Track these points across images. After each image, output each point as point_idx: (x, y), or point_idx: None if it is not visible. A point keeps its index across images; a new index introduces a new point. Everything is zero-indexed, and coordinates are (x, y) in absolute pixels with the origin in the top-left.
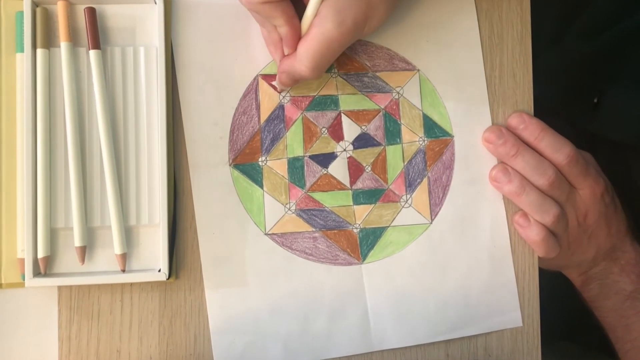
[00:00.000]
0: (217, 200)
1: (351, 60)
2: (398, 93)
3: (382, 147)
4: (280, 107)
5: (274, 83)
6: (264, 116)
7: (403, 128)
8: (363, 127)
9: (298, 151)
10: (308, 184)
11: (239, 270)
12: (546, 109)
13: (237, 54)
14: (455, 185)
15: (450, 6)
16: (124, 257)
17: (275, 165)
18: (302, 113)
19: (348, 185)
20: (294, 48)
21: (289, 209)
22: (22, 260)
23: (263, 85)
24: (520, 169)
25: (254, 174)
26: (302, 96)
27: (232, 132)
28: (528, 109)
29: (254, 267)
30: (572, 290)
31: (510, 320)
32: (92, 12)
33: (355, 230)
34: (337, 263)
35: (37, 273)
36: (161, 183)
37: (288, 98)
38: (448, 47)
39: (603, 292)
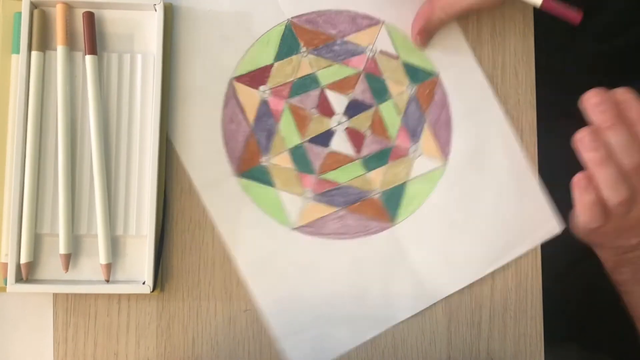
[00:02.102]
0: (235, 213)
1: (316, 33)
2: (371, 50)
3: (374, 107)
4: (264, 103)
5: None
6: (251, 117)
7: (388, 82)
8: (349, 95)
9: (295, 140)
10: (317, 168)
11: (281, 273)
12: (560, 110)
13: (206, 64)
14: (456, 120)
15: None
16: (109, 268)
17: (279, 161)
18: (286, 101)
19: (354, 155)
20: None
21: (306, 198)
22: (5, 265)
23: (240, 87)
24: (611, 141)
25: (262, 176)
26: (281, 85)
27: (226, 143)
28: (530, 108)
29: (294, 264)
30: (577, 291)
31: (548, 230)
32: (90, 17)
33: (376, 196)
34: (370, 233)
35: (19, 279)
36: (151, 194)
37: (268, 92)
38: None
39: (636, 277)
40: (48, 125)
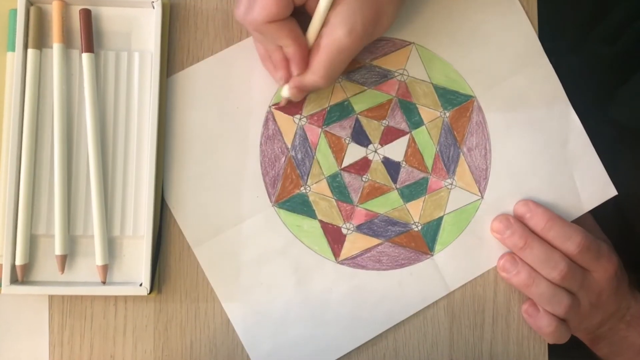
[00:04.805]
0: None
1: None
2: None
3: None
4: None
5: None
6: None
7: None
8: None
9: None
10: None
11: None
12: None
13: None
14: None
15: None
16: (105, 269)
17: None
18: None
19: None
20: (304, 68)
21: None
22: (0, 266)
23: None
24: (530, 261)
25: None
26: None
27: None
28: None
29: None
30: None
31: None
32: (87, 14)
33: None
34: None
35: (14, 280)
36: (148, 194)
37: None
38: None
39: (614, 350)
40: (44, 124)
